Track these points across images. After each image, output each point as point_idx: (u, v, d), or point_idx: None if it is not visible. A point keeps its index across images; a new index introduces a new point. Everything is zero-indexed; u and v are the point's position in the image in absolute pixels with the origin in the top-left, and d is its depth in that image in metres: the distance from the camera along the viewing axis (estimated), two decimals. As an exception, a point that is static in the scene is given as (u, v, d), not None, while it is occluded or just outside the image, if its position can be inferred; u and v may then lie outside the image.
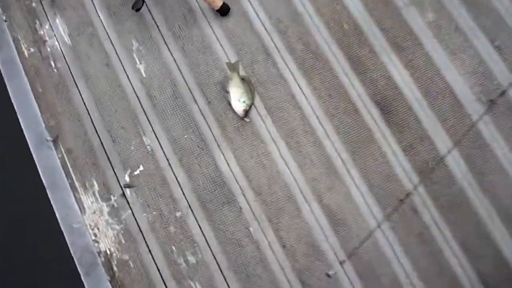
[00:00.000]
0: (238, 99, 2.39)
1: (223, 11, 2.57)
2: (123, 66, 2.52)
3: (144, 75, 2.48)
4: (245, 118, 2.41)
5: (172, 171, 2.36)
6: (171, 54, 2.53)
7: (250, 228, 2.31)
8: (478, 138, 2.36)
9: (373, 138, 2.42)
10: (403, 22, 2.55)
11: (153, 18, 2.59)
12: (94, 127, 2.42)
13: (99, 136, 2.43)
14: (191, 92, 2.47)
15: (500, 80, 2.42)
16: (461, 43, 2.49)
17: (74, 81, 2.49)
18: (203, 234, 2.33)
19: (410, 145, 2.42)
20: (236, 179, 2.34)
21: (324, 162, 2.39)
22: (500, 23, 2.49)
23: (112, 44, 2.55)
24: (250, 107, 2.42)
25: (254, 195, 2.33)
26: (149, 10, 2.59)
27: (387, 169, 2.38)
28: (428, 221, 2.28)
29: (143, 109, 2.44)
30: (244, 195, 2.33)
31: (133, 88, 2.48)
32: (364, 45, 2.54)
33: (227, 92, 2.43)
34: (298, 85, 2.52)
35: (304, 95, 2.51)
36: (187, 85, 2.48)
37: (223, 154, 2.39)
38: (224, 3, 2.54)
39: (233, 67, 2.49)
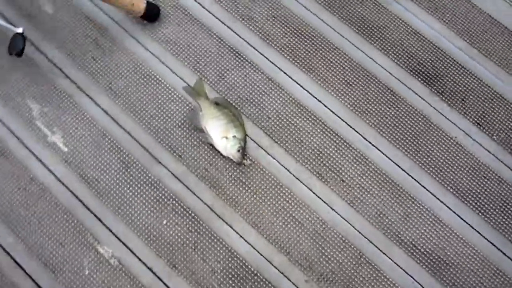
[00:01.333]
0: (222, 136, 1.48)
1: (151, 14, 1.65)
2: (28, 148, 1.52)
3: (64, 149, 1.49)
4: (243, 162, 1.51)
5: (165, 285, 1.39)
6: (96, 103, 1.57)
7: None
8: None
9: (432, 124, 1.63)
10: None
11: (50, 59, 1.61)
12: (15, 261, 1.40)
13: (27, 274, 1.41)
14: (147, 151, 1.51)
15: None
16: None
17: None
18: None
19: (482, 115, 1.60)
20: (266, 258, 1.43)
21: (380, 183, 1.54)
22: None
23: None
24: (245, 141, 1.50)
25: (303, 273, 1.44)
26: (38, 48, 1.59)
27: (467, 159, 1.57)
28: None
29: (83, 204, 1.45)
30: (288, 278, 1.41)
31: (56, 177, 1.48)
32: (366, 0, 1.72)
33: (202, 131, 1.52)
34: (300, 85, 1.64)
35: (313, 96, 1.64)
36: (137, 142, 1.52)
37: (231, 228, 1.47)
38: (148, 2, 1.60)
39: (196, 91, 1.57)
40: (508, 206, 1.52)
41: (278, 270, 1.41)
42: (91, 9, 1.68)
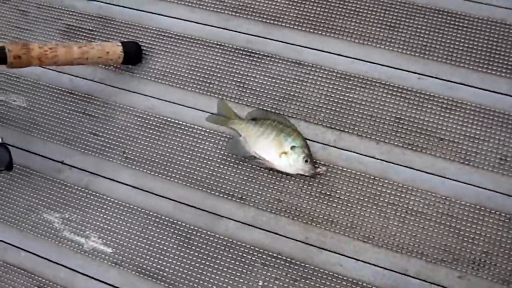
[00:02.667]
0: (280, 153, 1.17)
1: (132, 55, 1.36)
2: (68, 267, 1.26)
3: (108, 250, 1.20)
4: (317, 171, 1.16)
5: None
6: (118, 181, 1.29)
7: None
8: None
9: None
10: None
11: (45, 156, 1.35)
12: None
13: None
14: (202, 210, 1.23)
15: None
16: None
17: None
18: None
19: None
20: (399, 273, 1.12)
21: (487, 121, 1.23)
22: None
23: (21, 249, 1.27)
24: (308, 147, 1.17)
25: (451, 270, 1.14)
26: (27, 150, 1.33)
27: None
28: None
29: None
30: (436, 284, 1.08)
31: (108, 283, 1.17)
32: None
33: (253, 157, 1.22)
34: (336, 54, 1.31)
35: (357, 59, 1.33)
36: (185, 205, 1.21)
37: (341, 254, 1.17)
38: (123, 43, 1.30)
39: (223, 116, 1.27)
40: None
41: (420, 280, 1.07)
42: (67, 81, 1.38)
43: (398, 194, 1.15)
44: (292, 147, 1.16)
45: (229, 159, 1.22)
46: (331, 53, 1.30)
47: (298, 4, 1.36)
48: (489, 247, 1.08)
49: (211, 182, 1.21)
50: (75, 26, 1.46)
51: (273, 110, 1.26)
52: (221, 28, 1.38)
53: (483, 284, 1.06)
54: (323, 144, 1.21)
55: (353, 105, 1.23)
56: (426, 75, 1.24)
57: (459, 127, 1.18)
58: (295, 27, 1.34)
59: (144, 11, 1.43)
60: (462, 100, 1.20)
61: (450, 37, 1.27)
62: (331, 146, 1.21)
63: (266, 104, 1.26)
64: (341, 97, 1.24)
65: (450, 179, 1.15)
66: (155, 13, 1.43)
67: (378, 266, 1.11)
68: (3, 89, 1.42)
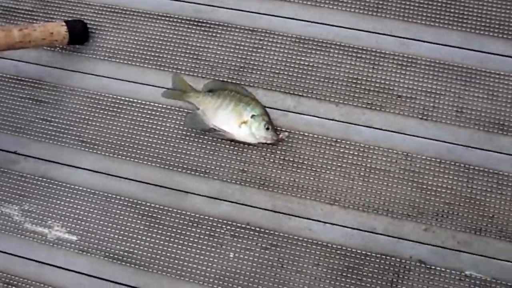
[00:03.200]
0: (240, 123, 1.16)
1: (77, 34, 1.30)
2: (32, 260, 1.23)
3: (73, 237, 1.17)
4: (279, 137, 1.16)
5: None
6: (77, 167, 1.24)
7: None
8: None
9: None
10: None
11: None
12: None
13: None
14: (167, 188, 1.20)
15: None
16: None
17: None
18: None
19: None
20: (368, 231, 1.15)
21: (441, 75, 1.27)
22: None
23: None
24: (267, 114, 1.16)
25: (417, 223, 1.17)
26: None
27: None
28: None
29: (129, 286, 1.11)
30: (404, 239, 1.11)
31: (82, 273, 1.15)
32: None
33: (213, 129, 1.20)
34: (290, 18, 1.29)
35: (312, 22, 1.31)
36: (149, 184, 1.19)
37: (310, 219, 1.19)
38: (66, 22, 1.24)
39: (178, 90, 1.24)
40: None
41: (388, 236, 1.09)
42: (12, 67, 1.31)
43: (361, 154, 1.16)
44: (252, 116, 1.14)
45: (189, 134, 1.21)
46: (285, 17, 1.28)
47: None
48: (451, 198, 1.11)
49: (173, 159, 1.19)
50: (12, 8, 1.38)
51: (229, 80, 1.23)
52: None
53: (448, 234, 1.09)
54: (283, 110, 1.21)
55: (310, 69, 1.22)
56: (380, 33, 1.23)
57: (415, 83, 1.19)
58: None
59: None
60: (416, 55, 1.21)
61: None
62: (291, 111, 1.20)
63: (221, 75, 1.24)
64: (298, 62, 1.23)
65: (410, 135, 1.17)
66: None
67: (347, 227, 1.13)
68: None
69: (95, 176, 1.20)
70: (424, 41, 1.21)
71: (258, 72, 1.22)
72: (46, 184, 1.21)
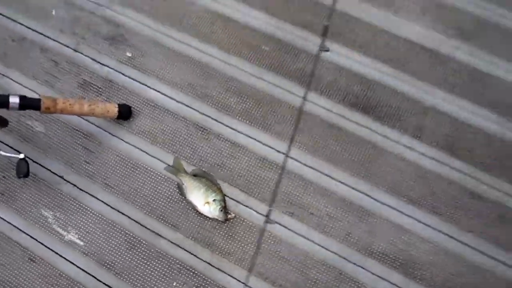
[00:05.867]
0: (204, 203, 1.84)
1: (124, 114, 2.00)
2: (51, 249, 1.88)
3: (81, 243, 1.87)
4: (228, 217, 1.86)
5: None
6: (97, 199, 1.93)
7: None
8: (475, 75, 2.10)
9: (378, 147, 2.00)
10: (317, 3, 2.24)
11: (51, 171, 1.98)
12: None
13: None
14: (148, 229, 1.87)
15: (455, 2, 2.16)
16: None
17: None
18: None
19: (418, 128, 1.99)
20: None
21: (344, 208, 1.92)
22: None
23: (22, 231, 1.91)
24: (224, 201, 1.86)
25: None
26: (40, 164, 1.98)
27: (415, 169, 1.95)
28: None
29: (107, 286, 1.83)
30: None
31: (80, 268, 1.84)
32: (296, 53, 2.18)
33: (189, 201, 1.88)
34: (265, 144, 2.02)
35: (275, 149, 2.00)
36: (138, 223, 1.88)
37: (232, 276, 1.82)
38: (119, 105, 2.01)
39: (175, 168, 1.93)
40: (457, 201, 1.88)
41: None
42: (77, 121, 2.04)
43: (275, 241, 1.89)
44: (213, 200, 1.83)
45: (173, 198, 1.89)
46: (256, 140, 2.01)
47: (244, 101, 2.12)
48: None
49: (159, 211, 1.87)
50: (89, 82, 2.16)
51: (209, 171, 1.92)
52: (193, 109, 2.08)
53: None
54: (236, 201, 1.91)
55: (261, 179, 1.94)
56: (314, 168, 1.99)
57: (325, 208, 1.90)
58: (239, 117, 2.06)
59: (141, 83, 2.13)
60: (331, 190, 1.96)
61: (334, 147, 2.00)
62: (241, 203, 1.91)
63: (205, 166, 1.94)
64: (255, 172, 1.94)
65: (311, 240, 1.86)
66: (147, 86, 2.13)
67: (251, 288, 1.81)
68: (30, 116, 2.07)
69: (107, 208, 1.88)
70: None
71: (228, 172, 1.92)
72: (75, 204, 1.89)
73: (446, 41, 2.16)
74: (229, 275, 1.79)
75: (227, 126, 2.01)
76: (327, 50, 2.04)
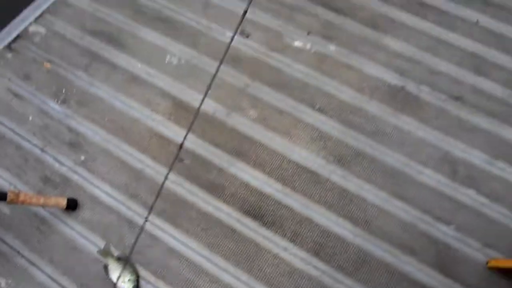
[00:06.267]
0: (122, 281, 2.40)
1: (71, 206, 2.60)
2: None
3: None
4: None
5: None
6: (44, 272, 2.50)
7: None
8: (345, 195, 2.68)
9: (261, 247, 2.56)
10: (232, 130, 2.86)
11: (10, 246, 2.57)
12: None
13: None
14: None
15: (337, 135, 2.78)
16: (289, 122, 2.84)
17: None
18: None
19: (294, 233, 2.58)
20: None
21: None
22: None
23: None
24: (138, 281, 2.44)
25: None
26: (1, 239, 2.58)
27: (287, 267, 2.51)
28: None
29: None
30: None
31: None
32: (209, 167, 2.76)
33: (111, 279, 2.43)
34: (170, 236, 2.62)
35: (180, 241, 2.58)
36: None
37: None
38: (68, 199, 2.60)
39: (105, 252, 2.51)
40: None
41: None
42: (35, 207, 2.63)
43: None
44: (128, 279, 2.44)
45: (102, 276, 2.49)
46: (172, 236, 2.69)
47: (167, 203, 2.75)
48: None
49: (93, 285, 2.48)
50: (49, 177, 2.77)
51: (130, 257, 2.49)
52: (126, 206, 2.75)
53: None
54: (147, 281, 2.50)
55: (179, 270, 2.56)
56: (212, 262, 2.58)
57: None
58: (161, 217, 2.69)
59: (89, 181, 2.81)
60: (222, 279, 2.54)
61: (228, 244, 2.60)
62: (151, 283, 2.53)
63: (127, 251, 2.50)
64: (169, 259, 2.54)
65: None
66: (93, 184, 2.80)
67: None
68: None
69: (48, 280, 2.51)
70: None
71: (144, 259, 2.52)
72: (25, 274, 2.54)
73: (326, 165, 2.76)
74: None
75: (149, 221, 2.60)
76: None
